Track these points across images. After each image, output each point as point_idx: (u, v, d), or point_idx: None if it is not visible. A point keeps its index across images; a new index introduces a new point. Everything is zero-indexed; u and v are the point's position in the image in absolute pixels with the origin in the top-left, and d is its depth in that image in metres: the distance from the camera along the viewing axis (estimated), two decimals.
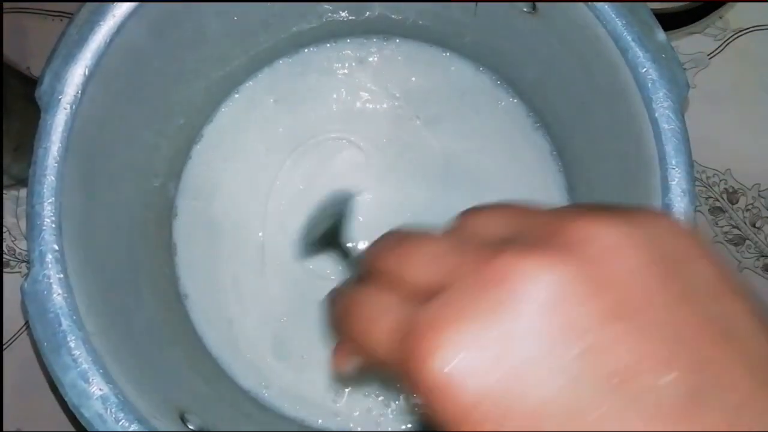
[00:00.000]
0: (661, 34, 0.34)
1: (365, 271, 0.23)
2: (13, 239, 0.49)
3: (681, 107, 0.34)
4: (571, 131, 0.42)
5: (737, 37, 0.49)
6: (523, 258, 0.17)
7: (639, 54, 0.34)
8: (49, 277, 0.34)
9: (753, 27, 0.49)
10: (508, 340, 0.17)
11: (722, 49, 0.49)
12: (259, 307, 0.44)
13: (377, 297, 0.21)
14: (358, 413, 0.43)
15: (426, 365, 0.17)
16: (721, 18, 0.49)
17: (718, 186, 0.48)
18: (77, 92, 0.35)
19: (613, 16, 0.34)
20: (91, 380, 0.33)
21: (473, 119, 0.45)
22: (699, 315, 0.17)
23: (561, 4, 0.36)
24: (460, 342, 0.17)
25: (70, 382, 0.33)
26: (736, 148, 0.48)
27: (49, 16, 0.51)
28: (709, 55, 0.49)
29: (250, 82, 0.46)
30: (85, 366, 0.33)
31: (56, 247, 0.34)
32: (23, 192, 0.49)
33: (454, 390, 0.17)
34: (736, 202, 0.48)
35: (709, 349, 0.17)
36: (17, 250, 0.49)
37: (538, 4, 0.37)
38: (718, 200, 0.48)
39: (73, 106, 0.35)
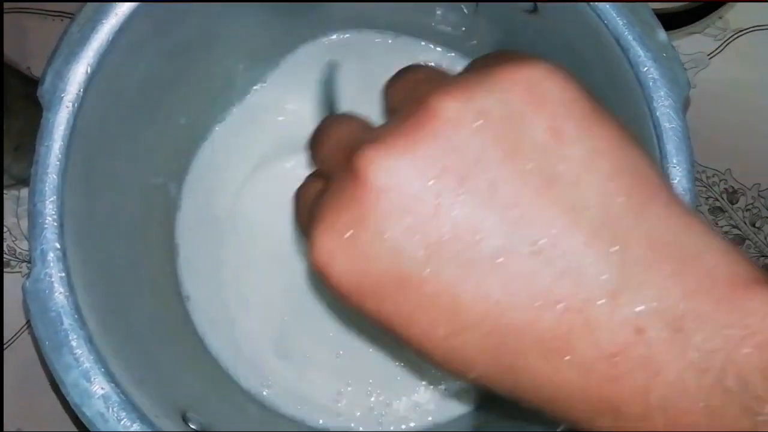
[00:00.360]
0: (662, 34, 0.34)
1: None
2: (14, 239, 0.49)
3: (682, 106, 0.34)
4: None
5: (737, 37, 0.49)
6: (373, 150, 0.20)
7: (640, 53, 0.34)
8: (50, 276, 0.34)
9: (753, 27, 0.49)
10: (358, 224, 0.20)
11: (722, 49, 0.49)
12: (261, 307, 0.44)
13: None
14: (359, 413, 0.43)
15: (311, 255, 0.21)
16: (721, 18, 0.49)
17: (718, 186, 0.48)
18: (79, 90, 0.35)
19: (614, 15, 0.34)
20: (92, 379, 0.33)
21: None
22: (519, 169, 0.20)
23: (562, 4, 0.36)
24: (325, 233, 0.21)
25: (71, 382, 0.33)
26: (736, 148, 0.48)
27: (50, 16, 0.51)
28: (709, 55, 0.49)
29: (253, 81, 0.46)
30: (86, 365, 0.33)
31: (58, 246, 0.34)
32: (24, 192, 0.49)
33: (326, 274, 0.21)
34: (736, 202, 0.48)
35: (527, 200, 0.19)
36: (18, 250, 0.49)
37: (539, 4, 0.37)
38: (718, 200, 0.48)
39: (75, 105, 0.35)
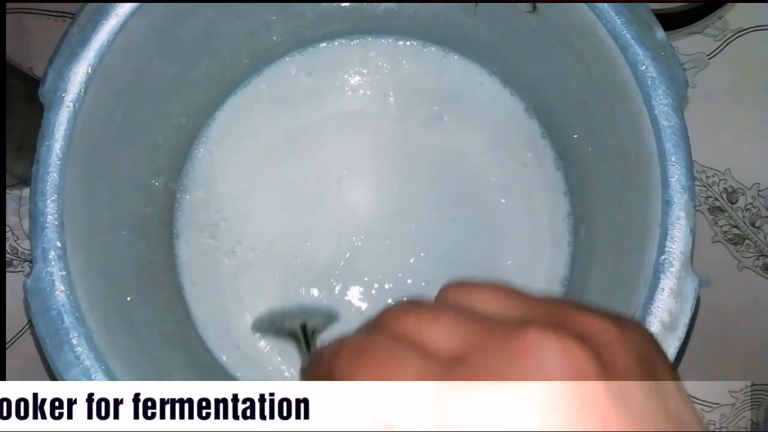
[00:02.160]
0: (660, 33, 0.34)
1: (374, 329, 0.24)
2: (16, 239, 0.49)
3: (680, 104, 0.34)
4: (572, 129, 0.42)
5: (737, 37, 0.49)
6: (549, 334, 0.20)
7: (638, 52, 0.34)
8: (51, 275, 0.34)
9: (753, 27, 0.49)
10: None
11: (722, 50, 0.49)
12: (260, 307, 0.44)
13: (399, 346, 0.22)
14: None
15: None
16: (720, 18, 0.49)
17: (718, 186, 0.48)
18: (80, 90, 0.35)
19: (613, 14, 0.34)
20: (93, 377, 0.33)
21: (474, 119, 0.45)
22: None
23: (561, 3, 0.36)
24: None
25: (72, 379, 0.33)
26: (735, 148, 0.49)
27: (51, 17, 0.51)
28: (708, 55, 0.49)
29: (252, 82, 0.46)
30: (87, 363, 0.33)
31: (59, 245, 0.34)
32: (26, 191, 0.49)
33: None
34: (736, 202, 0.48)
35: None
36: (20, 250, 0.49)
37: (538, 4, 0.37)
38: (717, 200, 0.48)
39: (76, 104, 0.35)
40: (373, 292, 0.44)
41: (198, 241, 0.44)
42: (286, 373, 0.43)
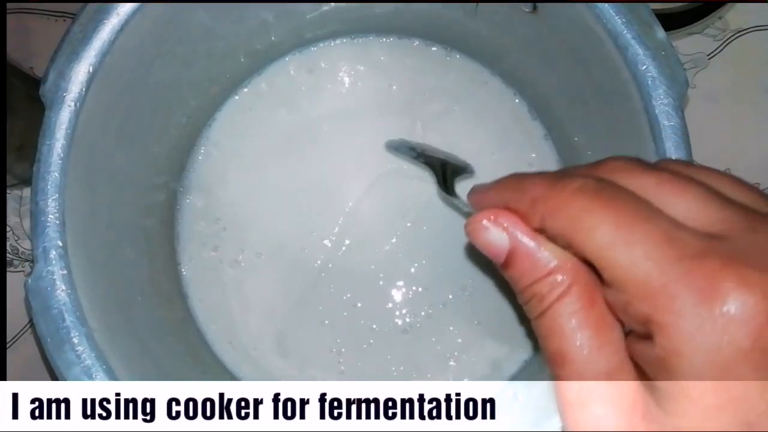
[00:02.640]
0: (660, 32, 0.34)
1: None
2: (17, 238, 0.49)
3: (681, 104, 0.34)
4: (573, 129, 0.42)
5: (737, 37, 0.49)
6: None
7: (639, 52, 0.34)
8: (52, 274, 0.34)
9: (752, 27, 0.49)
10: None
11: (722, 50, 0.49)
12: (262, 305, 0.44)
13: (642, 200, 0.20)
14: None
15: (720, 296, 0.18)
16: (720, 18, 0.49)
17: None
18: (81, 90, 0.35)
19: (613, 14, 0.34)
20: (94, 376, 0.33)
21: (475, 118, 0.45)
22: None
23: (561, 4, 0.36)
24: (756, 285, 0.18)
25: (73, 378, 0.33)
26: (735, 148, 0.49)
27: (52, 17, 0.51)
28: (708, 55, 0.49)
29: (253, 81, 0.46)
30: (88, 362, 0.33)
31: (60, 244, 0.34)
32: (26, 191, 0.49)
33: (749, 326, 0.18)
34: None
35: None
36: (21, 249, 0.49)
37: (539, 4, 0.37)
38: None
39: (77, 104, 0.35)
40: (378, 290, 0.44)
41: (199, 239, 0.44)
42: (288, 372, 0.43)
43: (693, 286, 0.18)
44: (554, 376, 0.21)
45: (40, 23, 0.51)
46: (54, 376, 0.34)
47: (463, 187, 0.42)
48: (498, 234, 0.22)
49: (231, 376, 0.43)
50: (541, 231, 0.21)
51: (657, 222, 0.19)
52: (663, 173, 0.21)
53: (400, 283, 0.44)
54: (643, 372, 0.20)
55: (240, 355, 0.43)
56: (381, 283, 0.44)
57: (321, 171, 0.45)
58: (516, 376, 0.43)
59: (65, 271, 0.34)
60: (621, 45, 0.34)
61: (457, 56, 0.45)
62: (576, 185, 0.20)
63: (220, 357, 0.43)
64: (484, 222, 0.22)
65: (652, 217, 0.19)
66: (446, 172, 0.41)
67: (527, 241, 0.22)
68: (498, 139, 0.45)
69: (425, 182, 0.44)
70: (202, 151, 0.45)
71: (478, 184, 0.25)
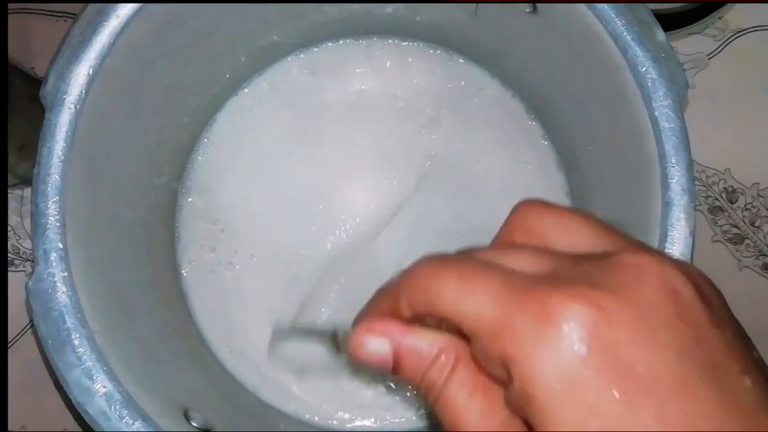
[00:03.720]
0: (660, 34, 0.34)
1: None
2: (18, 238, 0.49)
3: (680, 106, 0.34)
4: (572, 130, 0.42)
5: (736, 37, 0.49)
6: (644, 256, 0.20)
7: (639, 53, 0.34)
8: (53, 276, 0.34)
9: (752, 27, 0.49)
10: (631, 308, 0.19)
11: (721, 50, 0.49)
12: (262, 307, 0.44)
13: (482, 263, 0.21)
14: (359, 412, 0.43)
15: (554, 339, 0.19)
16: (720, 19, 0.49)
17: (718, 185, 0.48)
18: (81, 92, 0.35)
19: (613, 15, 0.34)
20: (95, 378, 0.33)
21: (475, 119, 0.45)
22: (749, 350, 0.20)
23: (561, 4, 0.36)
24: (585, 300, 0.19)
25: (74, 380, 0.33)
26: (735, 148, 0.49)
27: (53, 17, 0.51)
28: (708, 55, 0.49)
29: (254, 82, 0.46)
30: (89, 364, 0.33)
31: (60, 246, 0.34)
32: (27, 191, 0.49)
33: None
34: (736, 202, 0.48)
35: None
36: (21, 249, 0.49)
37: (539, 5, 0.37)
38: (717, 200, 0.48)
39: (77, 106, 0.35)
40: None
41: (200, 240, 0.44)
42: (287, 373, 0.43)
43: (528, 311, 0.19)
44: None
45: (41, 23, 0.51)
46: (55, 377, 0.34)
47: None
48: (378, 343, 0.23)
49: (231, 378, 0.43)
50: (413, 318, 0.23)
51: (493, 272, 0.21)
52: (503, 243, 0.23)
53: None
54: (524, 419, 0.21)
55: (240, 357, 0.43)
56: (382, 283, 0.44)
57: (321, 173, 0.45)
58: None
59: (66, 273, 0.34)
60: (621, 46, 0.34)
61: (459, 58, 0.45)
62: (422, 264, 0.22)
63: (220, 358, 0.43)
64: (361, 336, 0.23)
65: (488, 269, 0.21)
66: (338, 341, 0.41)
67: (407, 338, 0.22)
68: (497, 140, 0.45)
69: (427, 183, 0.44)
70: (202, 151, 0.45)
71: (355, 318, 0.26)
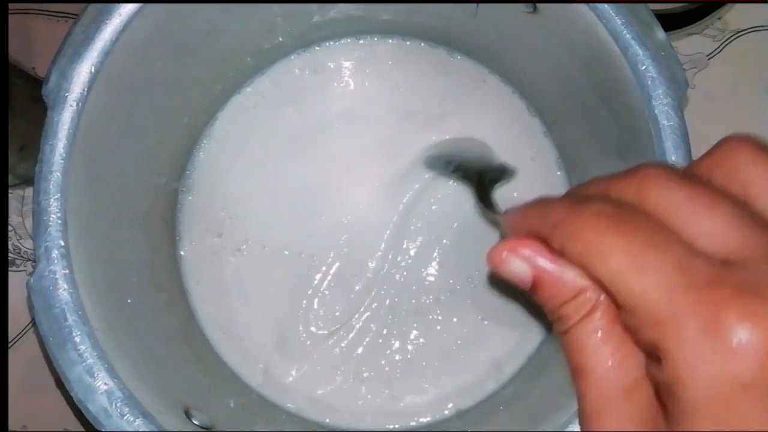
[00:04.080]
0: (660, 33, 0.34)
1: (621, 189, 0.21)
2: (19, 238, 0.49)
3: (680, 104, 0.34)
4: (572, 128, 0.42)
5: (736, 37, 0.50)
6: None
7: (639, 52, 0.34)
8: (54, 273, 0.34)
9: (752, 28, 0.50)
10: None
11: (721, 50, 0.50)
12: (262, 302, 0.44)
13: (659, 226, 0.19)
14: (363, 410, 0.43)
15: (732, 327, 0.17)
16: (720, 19, 0.49)
17: None
18: (83, 90, 0.35)
19: (613, 14, 0.34)
20: (96, 375, 0.33)
21: (475, 117, 0.45)
22: None
23: (561, 4, 0.36)
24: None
25: (75, 377, 0.33)
26: None
27: (54, 17, 0.51)
28: (708, 55, 0.50)
29: (256, 81, 0.46)
30: (90, 361, 0.33)
31: (62, 243, 0.34)
32: (29, 191, 0.49)
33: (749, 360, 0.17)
34: None
35: None
36: (23, 249, 0.49)
37: (539, 5, 0.37)
38: None
39: (79, 104, 0.35)
40: (380, 296, 0.44)
41: (201, 238, 0.45)
42: (293, 372, 0.43)
43: (698, 316, 0.18)
44: (576, 389, 0.22)
45: (42, 24, 0.51)
46: (56, 375, 0.34)
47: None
48: (519, 265, 0.22)
49: (232, 376, 0.43)
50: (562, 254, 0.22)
51: (670, 249, 0.19)
52: (694, 187, 0.20)
53: (405, 278, 0.44)
54: (657, 391, 0.20)
55: (242, 355, 0.43)
56: (385, 286, 0.44)
57: (325, 171, 0.45)
58: (517, 374, 0.43)
59: (67, 271, 0.34)
60: (621, 45, 0.34)
61: (459, 57, 0.46)
62: (593, 210, 0.20)
63: (222, 356, 0.43)
64: (504, 254, 0.23)
65: (666, 243, 0.19)
66: (484, 183, 0.40)
67: (550, 268, 0.22)
68: (498, 136, 0.45)
69: (429, 178, 0.44)
70: (204, 149, 0.45)
71: (509, 209, 0.25)
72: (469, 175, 0.41)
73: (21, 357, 0.48)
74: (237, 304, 0.44)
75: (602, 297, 0.21)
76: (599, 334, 0.21)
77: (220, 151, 0.45)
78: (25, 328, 0.48)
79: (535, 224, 0.22)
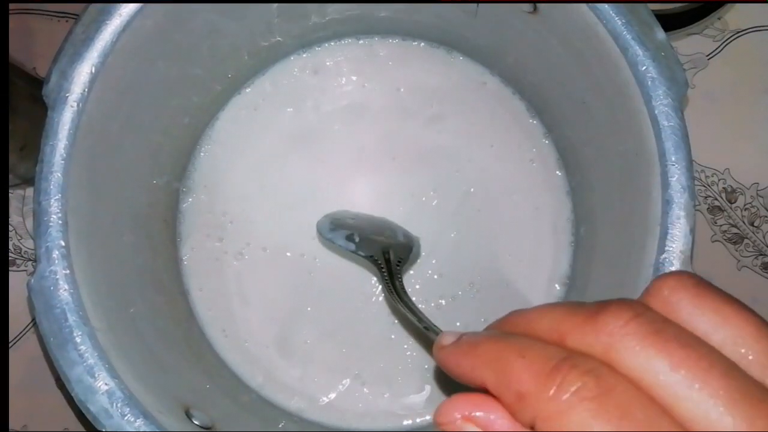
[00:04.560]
0: (660, 33, 0.34)
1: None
2: (20, 238, 0.49)
3: (680, 105, 0.34)
4: (573, 129, 0.42)
5: (736, 38, 0.50)
6: None
7: (639, 52, 0.34)
8: (55, 273, 0.34)
9: (751, 28, 0.50)
10: None
11: (721, 50, 0.50)
12: (263, 304, 0.44)
13: (655, 410, 0.17)
14: (362, 411, 0.43)
15: None
16: (719, 19, 0.49)
17: (717, 185, 0.49)
18: (84, 90, 0.35)
19: (613, 15, 0.34)
20: (97, 375, 0.33)
21: (475, 118, 0.45)
22: None
23: (562, 4, 0.36)
24: None
25: (76, 378, 0.33)
26: (734, 148, 0.49)
27: (55, 18, 0.51)
28: (707, 55, 0.50)
29: (256, 81, 0.46)
30: (91, 361, 0.33)
31: (62, 243, 0.34)
32: (29, 191, 0.49)
33: None
34: (735, 201, 0.48)
35: None
36: (23, 249, 0.49)
37: (539, 5, 0.37)
38: (716, 199, 0.49)
39: (80, 104, 0.35)
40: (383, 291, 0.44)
41: (201, 239, 0.45)
42: (294, 373, 0.43)
43: None
44: None
45: (42, 24, 0.51)
46: (57, 376, 0.34)
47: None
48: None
49: (232, 376, 0.43)
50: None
51: None
52: (673, 347, 0.18)
53: (406, 280, 0.44)
54: None
55: (242, 355, 0.43)
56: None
57: (326, 172, 0.45)
58: None
59: (68, 271, 0.34)
60: (621, 45, 0.34)
61: (460, 57, 0.46)
62: (569, 389, 0.18)
63: (222, 356, 0.43)
64: (457, 417, 0.20)
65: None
66: (390, 264, 0.37)
67: None
68: (498, 137, 0.45)
69: (427, 180, 0.44)
70: (204, 150, 0.46)
71: (445, 335, 0.22)
72: (374, 250, 0.39)
73: (22, 356, 0.48)
74: (239, 306, 0.44)
75: None
76: None
77: (221, 152, 0.45)
78: (26, 327, 0.48)
79: (489, 380, 0.19)
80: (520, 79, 0.45)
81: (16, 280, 0.49)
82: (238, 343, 0.44)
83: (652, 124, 0.34)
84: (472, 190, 0.44)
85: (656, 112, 0.34)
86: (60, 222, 0.35)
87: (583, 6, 0.35)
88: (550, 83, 0.42)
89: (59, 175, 0.35)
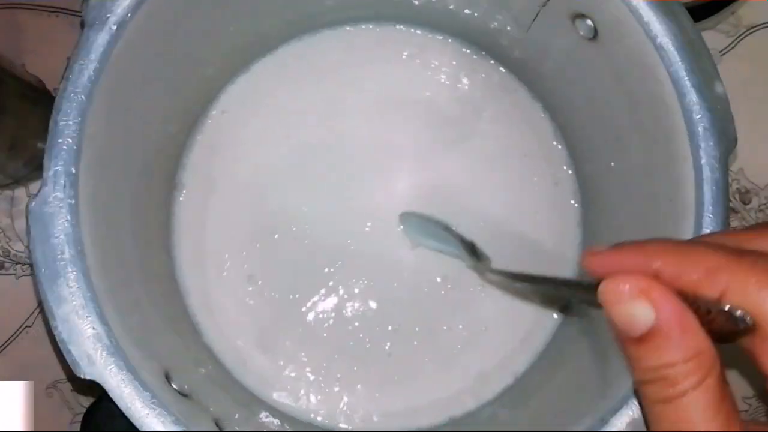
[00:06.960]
0: (720, 87, 0.34)
1: None
2: (8, 240, 0.46)
3: (726, 159, 0.34)
4: (599, 164, 0.42)
5: (750, 33, 0.48)
6: None
7: (696, 100, 0.34)
8: (59, 200, 0.32)
9: (765, 23, 0.48)
10: None
11: (734, 46, 0.48)
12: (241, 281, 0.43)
13: None
14: (340, 410, 0.42)
15: None
16: (733, 14, 0.48)
17: (731, 186, 0.47)
18: (127, 14, 0.33)
19: (678, 59, 0.34)
20: (85, 317, 0.31)
21: (500, 132, 0.44)
22: None
23: (626, 38, 0.36)
24: None
25: (62, 316, 0.31)
26: (748, 148, 0.46)
27: (45, 12, 0.48)
28: (721, 51, 0.48)
29: (285, 47, 0.44)
30: (81, 301, 0.31)
31: (73, 170, 0.32)
32: (18, 192, 0.47)
33: None
34: (749, 203, 0.47)
35: None
36: (12, 252, 0.46)
37: (600, 33, 0.37)
38: (730, 200, 0.47)
39: (119, 29, 0.33)
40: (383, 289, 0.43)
41: (196, 203, 0.43)
42: (267, 365, 0.42)
43: None
44: None
45: (32, 18, 0.48)
46: (46, 383, 0.31)
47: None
48: (643, 308, 0.20)
49: (211, 355, 0.42)
50: (718, 301, 0.20)
51: None
52: None
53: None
54: None
55: (222, 340, 0.42)
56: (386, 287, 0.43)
57: (330, 154, 0.44)
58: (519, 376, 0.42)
59: (73, 201, 0.32)
60: (679, 90, 0.34)
61: (498, 67, 0.45)
62: (752, 258, 0.20)
63: (200, 330, 0.42)
64: (627, 290, 0.20)
65: None
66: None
67: (680, 320, 0.19)
68: (519, 151, 0.44)
69: (443, 175, 0.44)
70: (217, 110, 0.44)
71: (620, 243, 0.23)
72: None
73: (10, 363, 0.45)
74: (219, 287, 0.43)
75: (716, 365, 0.20)
76: (711, 410, 0.19)
77: (232, 114, 0.44)
78: (16, 332, 0.46)
79: (669, 263, 0.20)
80: (556, 102, 0.44)
81: (5, 284, 0.46)
82: (219, 328, 0.42)
83: (695, 173, 0.34)
84: (483, 200, 0.44)
85: (702, 161, 0.34)
86: (75, 147, 0.32)
87: (649, 44, 0.35)
88: (585, 113, 0.41)
89: (83, 97, 0.33)
